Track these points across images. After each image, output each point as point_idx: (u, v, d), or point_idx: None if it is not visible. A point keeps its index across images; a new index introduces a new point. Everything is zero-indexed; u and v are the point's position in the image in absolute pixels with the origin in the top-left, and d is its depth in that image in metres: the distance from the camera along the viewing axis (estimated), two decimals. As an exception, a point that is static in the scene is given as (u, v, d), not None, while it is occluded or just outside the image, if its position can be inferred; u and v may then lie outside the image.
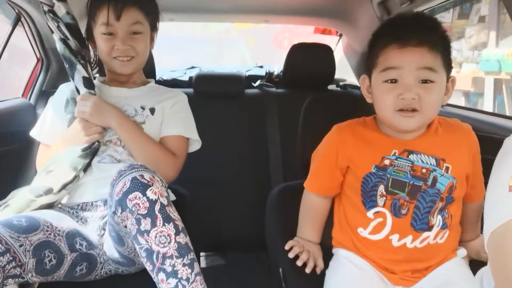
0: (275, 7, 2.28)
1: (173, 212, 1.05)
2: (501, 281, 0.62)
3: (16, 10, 1.83)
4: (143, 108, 1.43)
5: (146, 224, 1.02)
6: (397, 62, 1.10)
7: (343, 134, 1.24)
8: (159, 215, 1.02)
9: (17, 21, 1.86)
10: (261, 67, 2.74)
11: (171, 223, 1.03)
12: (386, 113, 1.14)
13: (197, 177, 2.11)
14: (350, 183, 1.23)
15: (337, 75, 2.43)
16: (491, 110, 4.52)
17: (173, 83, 2.52)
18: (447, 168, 1.16)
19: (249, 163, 2.26)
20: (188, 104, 1.53)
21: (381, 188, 1.15)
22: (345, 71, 2.65)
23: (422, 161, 1.16)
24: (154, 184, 1.04)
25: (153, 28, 1.49)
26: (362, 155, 1.20)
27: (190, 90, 2.35)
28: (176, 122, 1.46)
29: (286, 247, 1.29)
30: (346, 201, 1.25)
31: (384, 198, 1.15)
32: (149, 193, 1.03)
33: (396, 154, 1.17)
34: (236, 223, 2.18)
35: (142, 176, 1.04)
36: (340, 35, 2.69)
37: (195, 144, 1.52)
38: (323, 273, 1.25)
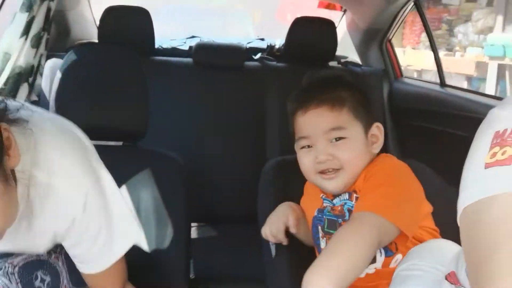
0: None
1: None
2: (471, 258, 0.63)
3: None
4: None
5: None
6: (305, 131, 1.11)
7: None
8: None
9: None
10: (262, 39, 2.71)
11: None
12: (310, 177, 1.14)
13: (192, 147, 2.12)
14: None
15: (338, 52, 2.40)
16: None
17: (173, 52, 2.49)
18: (356, 198, 1.10)
19: (246, 136, 2.24)
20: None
21: (320, 230, 1.15)
22: (347, 48, 2.62)
23: (339, 198, 1.13)
24: None
25: None
26: (308, 201, 1.22)
27: (190, 60, 2.32)
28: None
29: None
30: None
31: (324, 239, 1.14)
32: None
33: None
34: (229, 195, 2.18)
35: None
36: (345, 11, 2.65)
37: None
38: (312, 248, 1.26)
